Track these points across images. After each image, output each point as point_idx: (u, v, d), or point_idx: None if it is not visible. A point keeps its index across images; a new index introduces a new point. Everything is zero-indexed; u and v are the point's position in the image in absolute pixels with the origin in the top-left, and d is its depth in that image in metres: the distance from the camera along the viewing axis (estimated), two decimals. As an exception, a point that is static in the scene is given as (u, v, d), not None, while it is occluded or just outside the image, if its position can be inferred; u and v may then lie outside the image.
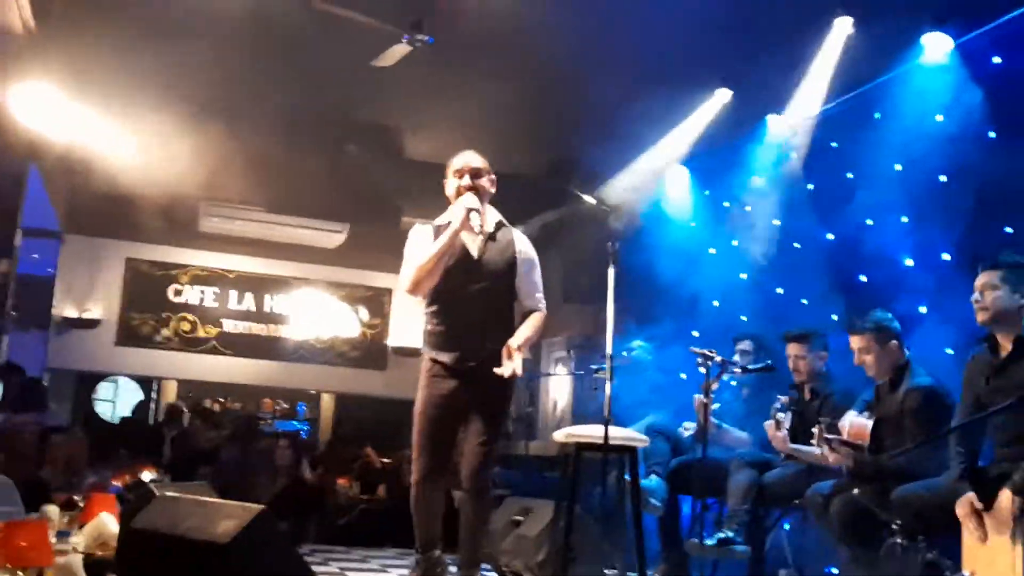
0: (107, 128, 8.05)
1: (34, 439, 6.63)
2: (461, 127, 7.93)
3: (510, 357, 4.12)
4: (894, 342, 4.64)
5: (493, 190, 4.46)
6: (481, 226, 4.26)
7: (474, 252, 4.36)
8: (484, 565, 5.27)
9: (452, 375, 4.33)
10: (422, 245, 4.38)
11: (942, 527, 3.85)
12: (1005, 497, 3.60)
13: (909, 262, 5.72)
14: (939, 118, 5.63)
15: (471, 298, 4.32)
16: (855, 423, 4.67)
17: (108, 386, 12.70)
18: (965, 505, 3.72)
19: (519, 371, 4.15)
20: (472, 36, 6.55)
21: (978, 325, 4.01)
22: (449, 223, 4.33)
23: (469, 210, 4.24)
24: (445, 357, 4.33)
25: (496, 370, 4.13)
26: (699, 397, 5.38)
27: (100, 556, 4.35)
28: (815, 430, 4.51)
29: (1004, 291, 3.90)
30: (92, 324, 11.52)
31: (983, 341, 4.03)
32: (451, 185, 4.42)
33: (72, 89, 7.40)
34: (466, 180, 4.36)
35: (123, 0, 6.48)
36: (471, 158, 4.43)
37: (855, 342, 4.72)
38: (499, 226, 4.44)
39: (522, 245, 4.46)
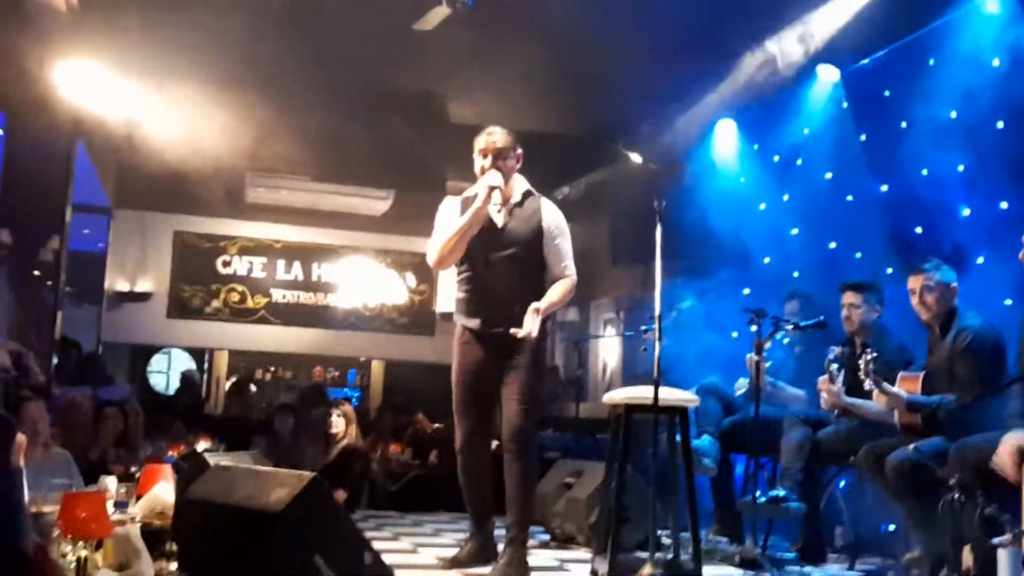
0: (152, 102, 8.08)
1: (91, 413, 6.73)
2: (503, 90, 7.86)
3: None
4: (954, 285, 4.57)
5: (519, 166, 4.54)
6: (501, 204, 4.42)
7: (499, 222, 4.47)
8: (537, 528, 5.29)
9: (480, 341, 4.48)
10: (449, 219, 4.54)
11: (1000, 482, 3.76)
12: None
13: (966, 212, 5.58)
14: (995, 63, 5.45)
15: (495, 266, 4.45)
16: (907, 376, 4.61)
17: (161, 358, 12.89)
18: (1011, 442, 3.56)
19: (534, 332, 4.26)
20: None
21: None
22: (475, 196, 4.46)
23: (491, 189, 4.36)
24: (472, 323, 4.49)
25: (512, 330, 4.25)
26: (751, 356, 5.31)
27: (157, 526, 4.39)
28: (861, 363, 4.44)
29: None
30: (144, 297, 11.68)
31: None
32: (476, 163, 4.51)
33: (116, 65, 7.43)
34: (488, 161, 4.44)
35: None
36: (496, 137, 4.49)
37: (912, 282, 4.66)
38: (526, 195, 4.53)
39: (549, 214, 4.50)
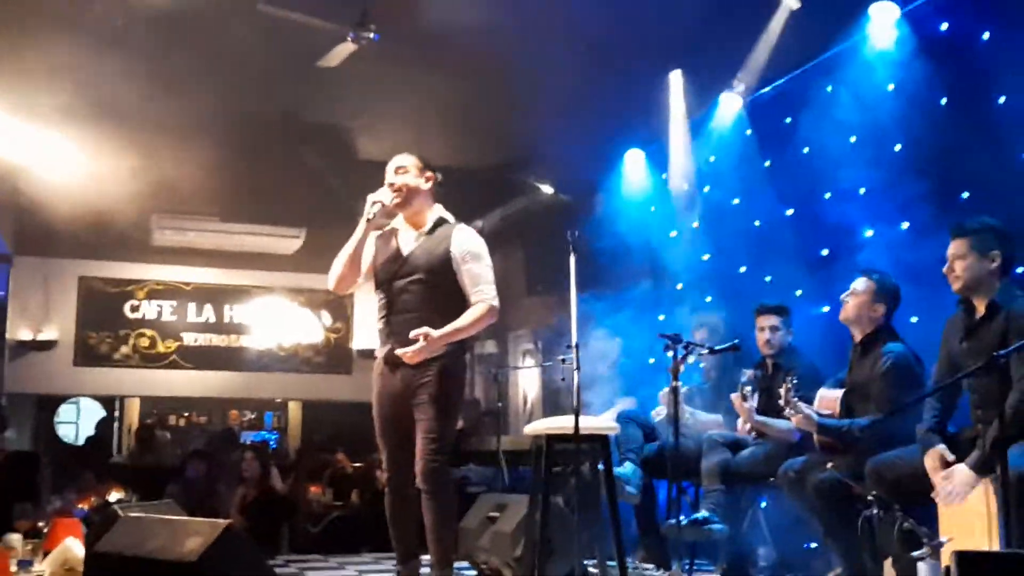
0: (50, 145, 7.88)
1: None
2: (413, 125, 7.84)
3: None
4: (881, 305, 4.62)
5: (426, 185, 4.43)
6: (375, 215, 4.28)
7: (404, 250, 4.40)
8: (462, 564, 5.21)
9: (391, 370, 4.33)
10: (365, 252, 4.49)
11: (917, 495, 3.86)
12: (961, 471, 3.63)
13: (869, 233, 5.73)
14: (890, 87, 5.64)
15: (400, 293, 4.35)
16: (825, 395, 4.70)
17: (70, 408, 12.49)
18: (934, 457, 3.76)
19: (411, 354, 4.12)
20: (418, 31, 6.46)
21: (953, 292, 4.03)
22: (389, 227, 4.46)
23: (372, 203, 4.30)
24: (381, 351, 4.38)
25: (399, 351, 4.16)
26: (665, 391, 5.38)
27: (67, 582, 4.24)
28: (781, 390, 4.50)
29: (972, 258, 3.93)
30: (48, 345, 11.34)
31: (959, 304, 4.05)
32: None
33: (12, 107, 7.24)
34: (388, 178, 4.42)
35: (59, 12, 6.32)
36: (397, 158, 4.47)
37: (855, 284, 4.69)
38: (438, 223, 4.43)
39: (457, 240, 4.36)
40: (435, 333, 4.14)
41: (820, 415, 4.59)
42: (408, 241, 4.42)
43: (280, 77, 7.27)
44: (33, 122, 7.55)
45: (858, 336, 4.69)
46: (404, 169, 4.42)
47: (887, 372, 4.45)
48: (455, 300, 4.32)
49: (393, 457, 4.34)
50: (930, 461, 3.81)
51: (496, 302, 4.28)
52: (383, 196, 4.34)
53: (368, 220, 4.30)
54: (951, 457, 3.79)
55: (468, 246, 4.36)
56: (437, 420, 4.18)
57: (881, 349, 4.54)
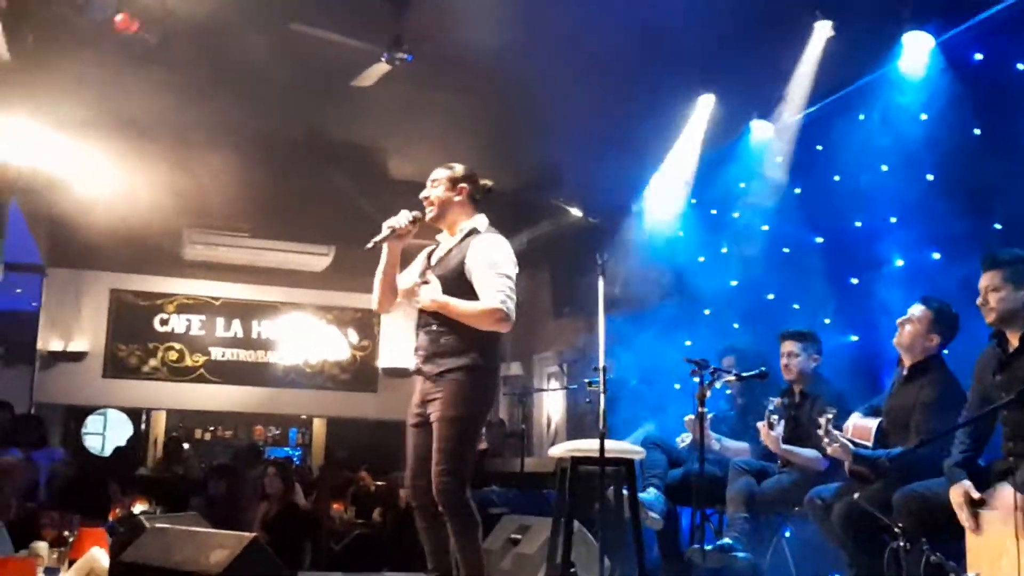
0: (86, 158, 7.98)
1: (25, 475, 6.53)
2: (443, 145, 7.88)
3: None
4: (936, 336, 4.51)
5: (458, 197, 4.39)
6: (383, 237, 4.28)
7: (433, 263, 4.39)
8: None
9: (420, 385, 4.31)
10: (411, 267, 4.49)
11: (945, 529, 3.82)
12: (1006, 492, 3.57)
13: (899, 262, 5.70)
14: (923, 117, 5.62)
15: (424, 306, 4.32)
16: (858, 424, 4.64)
17: (97, 419, 12.57)
18: (959, 493, 3.71)
19: (424, 295, 4.18)
20: (449, 52, 6.52)
21: (987, 325, 3.99)
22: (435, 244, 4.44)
23: (387, 226, 4.30)
24: (412, 363, 4.36)
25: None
26: (690, 417, 5.35)
27: (91, 592, 4.26)
28: (822, 420, 4.44)
29: (1007, 290, 3.89)
30: (78, 357, 11.44)
31: (992, 336, 4.01)
32: None
33: (50, 120, 7.34)
34: (424, 191, 4.42)
35: (98, 29, 6.41)
36: (434, 171, 4.46)
37: (912, 310, 4.59)
38: (470, 234, 4.36)
39: (474, 249, 4.27)
40: (440, 298, 4.15)
41: (855, 444, 4.53)
42: (440, 254, 4.41)
43: (311, 95, 7.35)
44: (68, 135, 7.64)
45: (908, 362, 4.60)
46: (437, 182, 4.41)
47: (933, 403, 4.37)
48: None
49: (412, 471, 4.29)
50: (955, 496, 3.76)
51: (502, 306, 4.10)
52: (397, 220, 4.31)
53: (374, 243, 4.30)
54: (976, 494, 3.74)
55: (483, 255, 4.25)
56: (447, 439, 4.10)
57: (927, 379, 4.47)
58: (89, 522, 5.76)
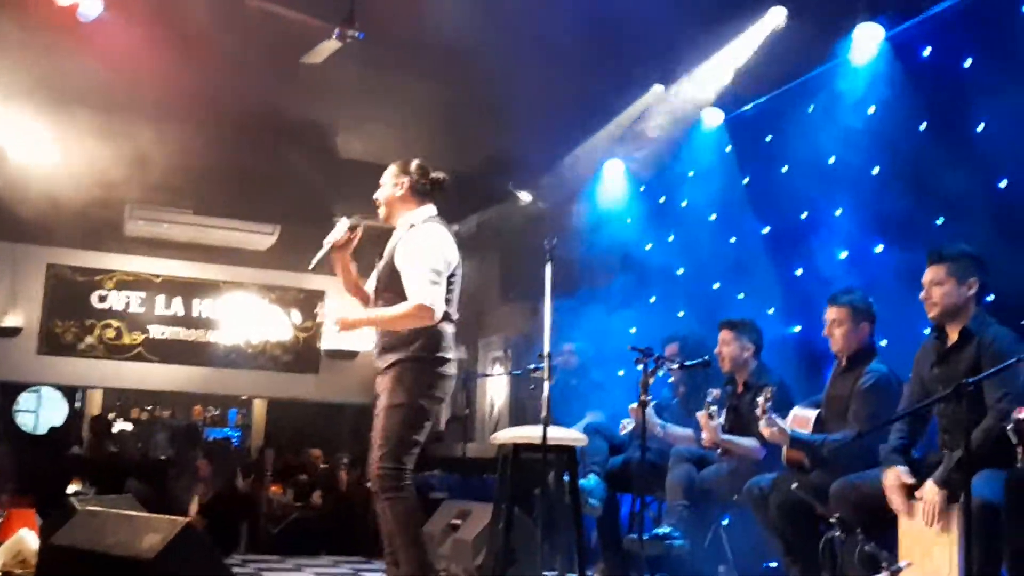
0: (22, 128, 7.77)
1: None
2: (393, 125, 7.81)
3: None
4: (865, 324, 4.62)
5: (399, 191, 4.41)
6: (322, 256, 4.38)
7: (380, 261, 4.41)
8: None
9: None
10: None
11: (880, 519, 3.87)
12: (930, 489, 3.63)
13: (844, 254, 5.75)
14: (871, 110, 5.66)
15: (375, 301, 4.38)
16: (798, 415, 4.68)
17: (30, 396, 12.30)
18: (894, 476, 3.76)
19: (325, 319, 4.19)
20: (402, 32, 6.43)
21: (927, 319, 4.03)
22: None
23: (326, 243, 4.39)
24: (355, 347, 4.39)
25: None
26: (634, 406, 5.37)
27: (19, 574, 4.16)
28: (760, 399, 4.47)
29: (950, 285, 3.94)
30: (12, 332, 11.15)
31: (932, 330, 4.06)
32: None
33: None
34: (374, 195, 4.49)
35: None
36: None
37: (830, 313, 4.67)
38: (409, 227, 4.38)
39: (405, 244, 4.29)
40: (351, 318, 4.21)
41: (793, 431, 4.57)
42: (386, 250, 4.41)
43: (262, 70, 7.20)
44: (5, 103, 7.44)
45: (843, 357, 4.68)
46: (383, 183, 4.46)
47: (868, 390, 4.43)
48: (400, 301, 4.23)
49: (368, 458, 4.32)
50: (889, 479, 3.82)
51: (425, 300, 4.10)
52: (334, 234, 4.37)
53: (316, 262, 4.37)
54: (910, 480, 3.79)
55: (406, 249, 4.27)
56: (387, 427, 4.15)
57: (864, 368, 4.53)
58: (19, 502, 5.63)
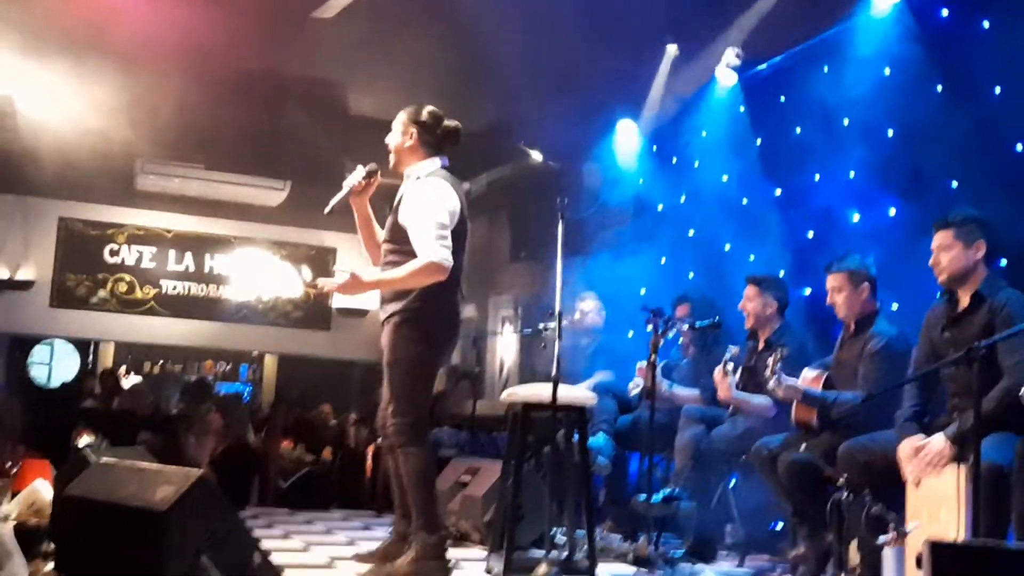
0: (36, 81, 7.76)
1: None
2: (403, 82, 7.75)
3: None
4: (866, 285, 4.63)
5: (408, 141, 4.37)
6: (353, 184, 4.41)
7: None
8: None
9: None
10: None
11: (887, 481, 3.88)
12: (938, 439, 3.64)
13: (856, 217, 5.73)
14: (886, 71, 5.61)
15: (384, 255, 4.37)
16: (807, 375, 4.69)
17: (43, 349, 12.40)
18: (910, 445, 3.76)
19: (324, 287, 4.29)
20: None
21: (938, 284, 4.03)
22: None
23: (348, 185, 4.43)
24: (366, 305, 4.42)
25: (319, 281, 4.29)
26: (642, 364, 5.37)
27: (34, 524, 4.21)
28: (770, 360, 4.47)
29: (957, 249, 3.93)
30: (25, 286, 11.23)
31: (943, 294, 4.06)
32: None
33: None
34: (386, 139, 4.46)
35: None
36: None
37: (829, 281, 4.70)
38: (416, 181, 4.35)
39: (409, 198, 4.27)
40: (364, 277, 4.17)
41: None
42: (395, 202, 4.37)
43: (274, 27, 7.16)
44: (21, 58, 7.41)
45: (850, 322, 4.69)
46: (394, 129, 4.41)
47: (877, 353, 4.45)
48: (406, 257, 4.21)
49: (380, 413, 4.38)
50: (905, 449, 3.83)
51: (437, 257, 4.08)
52: (353, 178, 4.39)
53: (333, 206, 4.40)
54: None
55: (411, 202, 4.25)
56: (394, 380, 4.20)
57: (872, 330, 4.55)
58: (33, 453, 5.68)
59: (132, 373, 12.62)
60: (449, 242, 4.15)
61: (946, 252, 3.95)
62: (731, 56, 6.74)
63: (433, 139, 4.38)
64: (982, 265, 3.92)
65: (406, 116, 4.40)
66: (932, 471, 3.63)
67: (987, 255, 3.93)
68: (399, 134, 4.39)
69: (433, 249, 4.10)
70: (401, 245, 4.23)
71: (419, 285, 4.15)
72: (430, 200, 4.20)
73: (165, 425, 8.17)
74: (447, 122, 4.42)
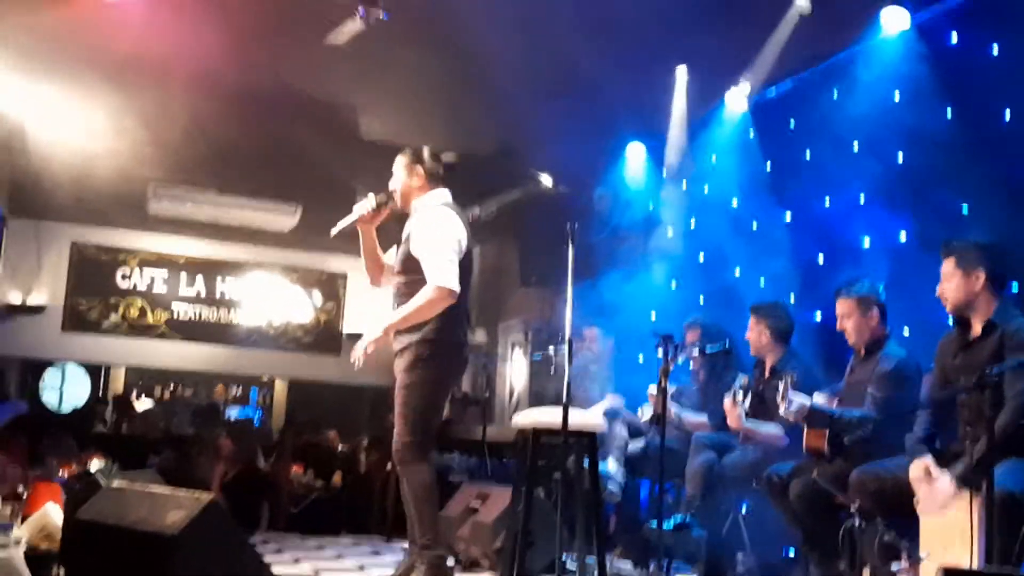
0: (50, 106, 7.81)
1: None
2: (414, 106, 7.81)
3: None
4: (875, 310, 4.63)
5: (415, 180, 4.55)
6: (363, 212, 4.51)
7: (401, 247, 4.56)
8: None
9: None
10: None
11: (900, 508, 3.85)
12: (945, 481, 3.61)
13: (866, 242, 5.71)
14: (896, 96, 5.61)
15: (396, 286, 4.55)
16: (819, 400, 4.66)
17: (55, 373, 12.44)
18: (920, 467, 3.74)
19: (358, 357, 4.33)
20: (423, 13, 6.42)
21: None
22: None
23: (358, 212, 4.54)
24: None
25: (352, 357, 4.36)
26: (652, 387, 5.36)
27: (44, 549, 4.21)
28: (780, 384, 4.47)
29: (957, 279, 3.94)
30: (37, 310, 11.27)
31: (954, 321, 4.05)
32: None
33: (10, 66, 7.16)
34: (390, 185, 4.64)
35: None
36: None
37: (839, 307, 4.72)
38: (424, 212, 4.52)
39: (415, 228, 4.46)
40: (385, 323, 4.34)
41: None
42: (404, 236, 4.54)
43: (286, 51, 7.21)
44: (34, 82, 7.47)
45: (860, 347, 4.69)
46: (395, 173, 4.59)
47: (887, 375, 4.45)
48: (416, 286, 4.36)
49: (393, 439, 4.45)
50: (916, 470, 3.80)
51: (445, 282, 4.27)
52: (363, 205, 4.50)
53: (340, 228, 4.52)
54: (936, 472, 3.78)
55: (419, 230, 4.43)
56: (405, 404, 4.33)
57: (882, 352, 4.54)
58: (44, 477, 5.68)
59: (143, 397, 12.65)
60: (456, 269, 4.32)
61: (948, 282, 3.97)
62: (746, 88, 6.78)
63: (436, 171, 4.58)
64: (986, 293, 3.91)
65: (406, 158, 4.60)
66: (941, 512, 3.59)
67: (991, 282, 3.91)
68: (403, 175, 4.57)
69: (441, 275, 4.28)
70: (414, 275, 4.39)
71: (433, 313, 4.31)
72: (440, 230, 4.39)
73: (176, 450, 8.18)
74: (445, 157, 4.64)
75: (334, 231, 4.53)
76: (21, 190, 10.17)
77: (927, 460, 3.79)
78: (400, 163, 4.59)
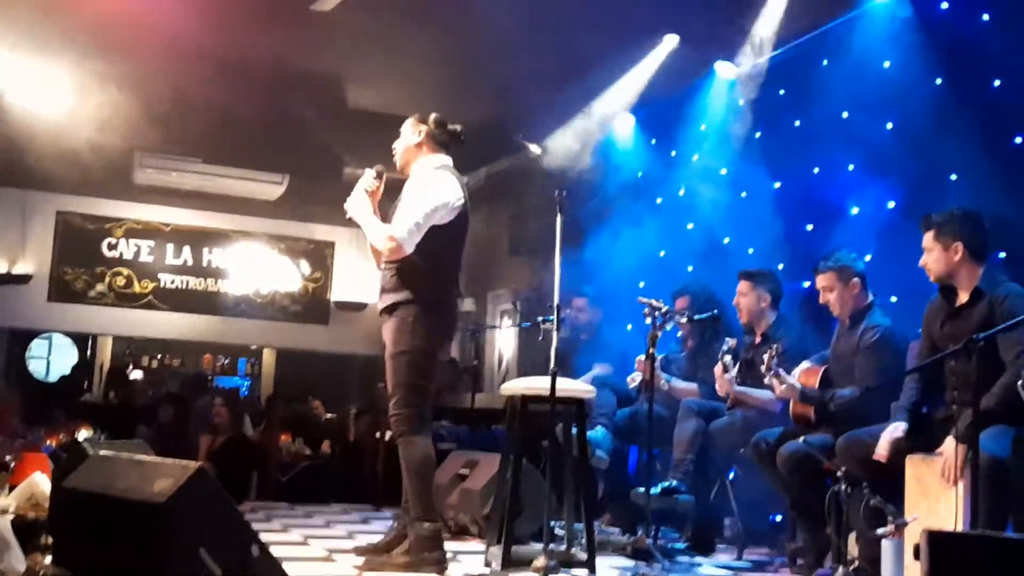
0: (32, 73, 7.73)
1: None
2: (404, 76, 7.75)
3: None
4: (855, 280, 4.65)
5: (415, 139, 4.55)
6: (367, 189, 4.52)
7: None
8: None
9: None
10: None
11: (886, 473, 3.89)
12: (949, 444, 3.63)
13: (855, 210, 5.72)
14: (886, 64, 5.60)
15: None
16: (806, 370, 4.70)
17: (41, 343, 12.39)
18: (891, 431, 3.84)
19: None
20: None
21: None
22: None
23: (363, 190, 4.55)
24: (365, 299, 4.55)
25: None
26: (641, 358, 5.38)
27: (32, 517, 4.20)
28: (766, 356, 4.50)
29: (937, 251, 3.97)
30: (23, 279, 11.20)
31: (939, 289, 4.06)
32: None
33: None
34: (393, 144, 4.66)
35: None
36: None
37: (819, 281, 4.75)
38: (421, 173, 4.51)
39: (410, 184, 4.48)
40: (354, 207, 4.45)
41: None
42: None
43: (272, 19, 7.14)
44: (14, 49, 7.39)
45: (845, 318, 4.71)
46: (402, 132, 4.59)
47: (873, 345, 4.48)
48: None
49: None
50: (886, 431, 3.91)
51: (398, 233, 4.28)
52: (364, 183, 4.51)
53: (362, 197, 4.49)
54: (900, 435, 3.90)
55: (409, 188, 4.44)
56: (394, 374, 4.32)
57: (867, 323, 4.57)
58: (31, 446, 5.68)
59: (131, 367, 12.63)
60: (420, 235, 4.30)
61: (928, 254, 4.01)
62: (737, 57, 6.76)
63: (440, 137, 4.56)
64: (967, 264, 3.93)
65: (413, 119, 4.60)
66: (956, 478, 3.58)
67: (971, 253, 3.93)
68: (409, 134, 4.56)
69: (401, 229, 4.29)
70: None
71: (374, 247, 4.40)
72: (427, 189, 4.37)
73: (163, 418, 8.18)
74: (451, 125, 4.61)
75: (348, 215, 4.51)
76: (5, 160, 10.07)
77: (900, 425, 3.89)
78: (407, 124, 4.60)
